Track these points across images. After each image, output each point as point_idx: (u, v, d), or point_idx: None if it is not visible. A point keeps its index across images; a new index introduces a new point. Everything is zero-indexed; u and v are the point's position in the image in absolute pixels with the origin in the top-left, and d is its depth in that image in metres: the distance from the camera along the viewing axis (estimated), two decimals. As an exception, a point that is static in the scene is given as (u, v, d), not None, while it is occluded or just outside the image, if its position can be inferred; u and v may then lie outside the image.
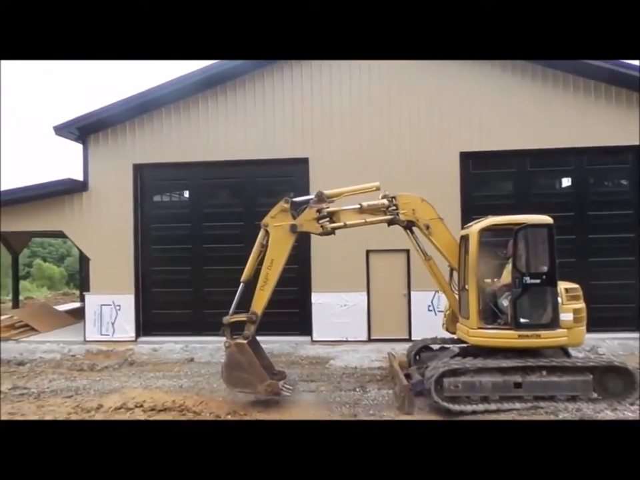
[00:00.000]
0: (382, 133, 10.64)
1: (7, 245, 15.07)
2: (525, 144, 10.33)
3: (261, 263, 6.67)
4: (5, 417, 5.28)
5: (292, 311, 10.85)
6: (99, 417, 5.49)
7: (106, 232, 11.04)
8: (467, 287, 6.90)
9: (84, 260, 11.71)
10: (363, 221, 6.93)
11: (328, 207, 6.73)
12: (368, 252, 10.63)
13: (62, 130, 10.74)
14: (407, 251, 10.41)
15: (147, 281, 11.31)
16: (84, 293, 11.27)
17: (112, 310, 11.03)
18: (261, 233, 6.63)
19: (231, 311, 6.63)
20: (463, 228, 7.39)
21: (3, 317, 11.98)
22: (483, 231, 6.63)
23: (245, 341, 6.53)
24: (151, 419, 5.34)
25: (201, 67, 10.49)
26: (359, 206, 6.89)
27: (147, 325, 11.27)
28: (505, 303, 6.62)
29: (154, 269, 11.33)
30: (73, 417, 5.46)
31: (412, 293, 10.50)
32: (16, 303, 15.12)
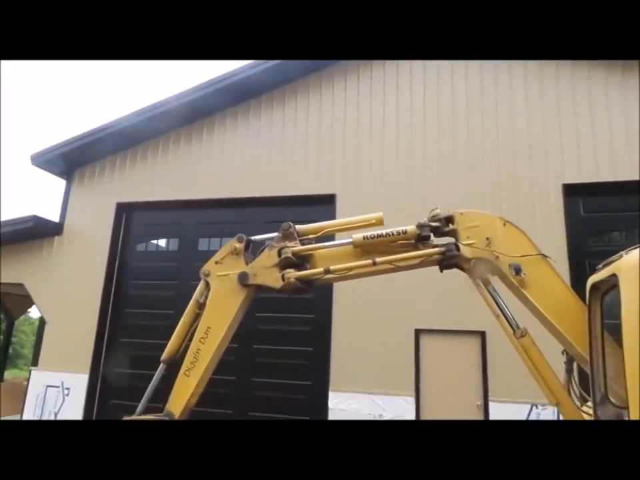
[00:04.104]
0: (440, 157, 7.46)
1: (4, 308, 13.15)
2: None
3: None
4: None
5: (298, 418, 7.14)
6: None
7: (73, 287, 8.50)
8: (613, 398, 3.11)
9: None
10: (370, 263, 3.81)
11: (294, 246, 3.97)
12: (418, 332, 6.90)
13: (42, 160, 8.86)
14: (482, 334, 6.59)
15: (110, 356, 8.32)
16: (30, 368, 8.54)
17: (59, 394, 8.04)
18: (200, 286, 4.09)
19: (139, 407, 3.95)
20: (594, 271, 3.65)
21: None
22: (655, 263, 2.91)
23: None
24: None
25: (207, 82, 8.35)
26: (350, 240, 3.96)
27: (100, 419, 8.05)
28: None
29: (123, 341, 8.40)
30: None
31: (491, 404, 6.42)
32: None
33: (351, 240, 3.97)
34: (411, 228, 3.97)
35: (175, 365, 4.03)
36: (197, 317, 4.08)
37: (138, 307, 8.47)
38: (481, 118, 7.43)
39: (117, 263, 8.66)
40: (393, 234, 3.97)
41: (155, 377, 4.00)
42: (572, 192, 6.88)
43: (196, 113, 8.56)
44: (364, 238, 3.95)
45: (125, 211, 8.88)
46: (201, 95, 8.26)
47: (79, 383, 8.00)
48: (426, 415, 6.62)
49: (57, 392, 8.04)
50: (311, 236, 4.19)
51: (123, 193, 8.88)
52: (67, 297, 8.47)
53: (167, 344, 4.11)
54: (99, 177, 9.09)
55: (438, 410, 6.60)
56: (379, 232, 3.99)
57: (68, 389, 8.00)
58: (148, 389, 3.98)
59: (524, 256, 3.85)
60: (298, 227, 4.12)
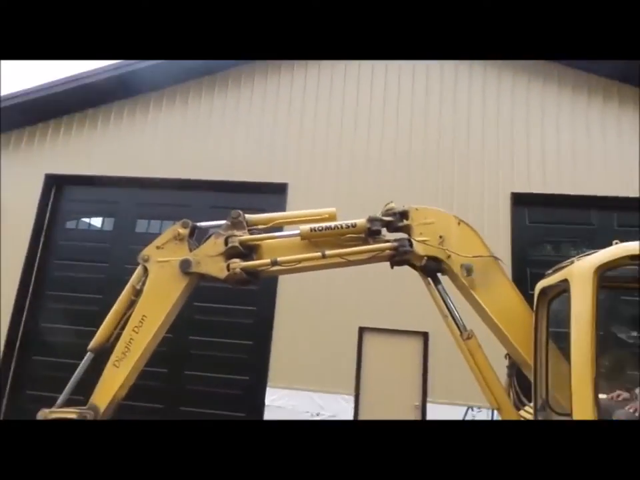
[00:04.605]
0: (395, 157, 7.38)
1: None
2: (609, 189, 6.87)
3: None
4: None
5: (233, 414, 6.81)
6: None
7: (-11, 265, 7.63)
8: (554, 406, 3.09)
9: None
10: (319, 255, 3.68)
11: (242, 235, 3.81)
12: (362, 330, 6.79)
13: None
14: (425, 335, 6.59)
15: (28, 344, 7.57)
16: None
17: (-37, 384, 7.20)
18: (137, 272, 3.88)
19: (60, 399, 3.62)
20: (544, 276, 3.65)
21: None
22: (605, 269, 2.88)
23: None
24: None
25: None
26: (297, 231, 3.83)
27: (16, 414, 7.29)
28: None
29: (44, 326, 7.66)
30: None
31: (429, 404, 6.43)
32: None
33: (298, 231, 3.79)
34: (360, 221, 3.86)
35: (103, 355, 3.72)
36: (131, 304, 3.82)
37: (63, 289, 7.75)
38: (438, 122, 7.43)
39: (41, 240, 7.88)
40: (341, 227, 3.87)
41: (80, 367, 3.69)
42: (519, 201, 7.04)
43: (142, 85, 7.93)
44: (311, 230, 3.81)
45: (54, 184, 8.09)
46: (149, 65, 7.65)
47: (-12, 371, 7.20)
48: (364, 414, 6.53)
49: (-40, 381, 7.19)
50: (260, 226, 4.02)
51: (54, 164, 8.07)
52: (-19, 275, 7.60)
53: (95, 331, 3.76)
54: (27, 144, 8.22)
55: (376, 409, 6.52)
56: (327, 224, 3.86)
57: (-26, 378, 7.18)
58: (71, 380, 3.68)
59: (476, 257, 3.81)
60: (247, 216, 3.92)
